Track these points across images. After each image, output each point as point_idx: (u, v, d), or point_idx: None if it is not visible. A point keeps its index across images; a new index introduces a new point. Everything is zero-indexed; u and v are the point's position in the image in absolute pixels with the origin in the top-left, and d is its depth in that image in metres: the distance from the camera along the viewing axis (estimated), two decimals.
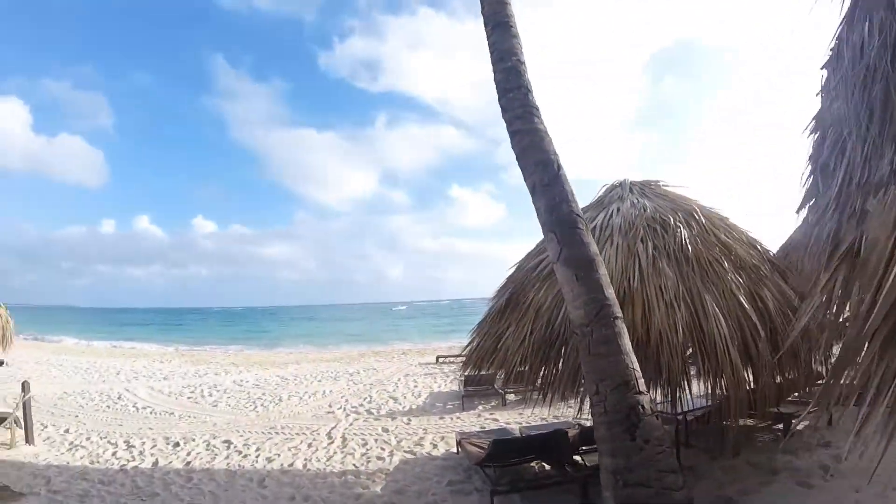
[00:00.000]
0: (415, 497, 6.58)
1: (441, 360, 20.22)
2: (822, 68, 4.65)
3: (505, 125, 5.09)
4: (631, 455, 4.01)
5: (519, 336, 5.84)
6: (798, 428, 7.40)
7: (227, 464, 8.23)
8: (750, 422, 7.14)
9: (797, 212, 5.60)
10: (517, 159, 4.94)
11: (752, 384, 5.52)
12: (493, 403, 12.05)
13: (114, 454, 8.85)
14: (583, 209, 5.13)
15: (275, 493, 6.88)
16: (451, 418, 10.97)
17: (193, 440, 9.64)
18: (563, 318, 5.46)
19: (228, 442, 9.48)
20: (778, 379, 6.04)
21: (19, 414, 9.33)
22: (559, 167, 4.74)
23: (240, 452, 8.83)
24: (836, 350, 5.74)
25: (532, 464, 6.93)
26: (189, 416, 12.03)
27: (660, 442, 4.08)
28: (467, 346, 7.06)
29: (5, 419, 9.18)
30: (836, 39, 4.20)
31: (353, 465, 8.01)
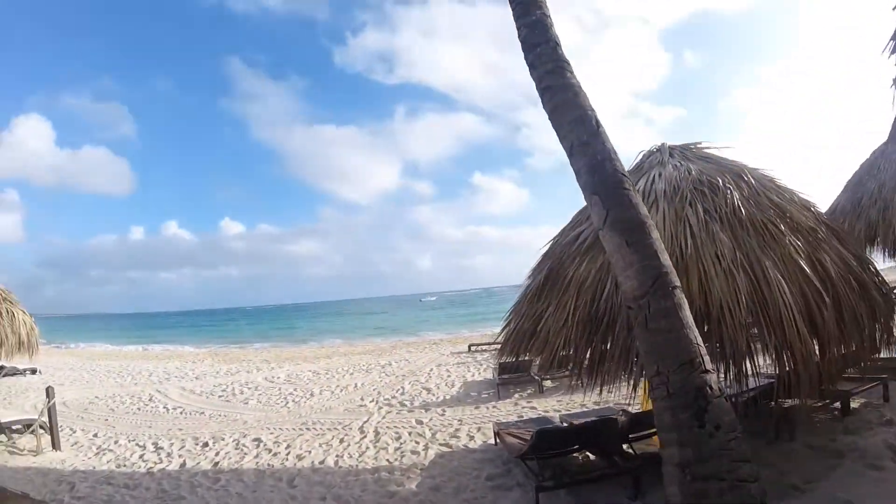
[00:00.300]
0: (452, 494, 6.13)
1: (474, 348, 19.94)
2: None
3: (534, 84, 4.57)
4: (700, 444, 3.47)
5: (560, 316, 5.29)
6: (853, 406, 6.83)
7: (257, 463, 7.96)
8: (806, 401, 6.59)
9: None
10: (550, 119, 4.41)
11: (818, 358, 4.97)
12: (529, 391, 11.57)
13: (141, 457, 8.67)
14: None
15: (304, 494, 6.51)
16: (487, 408, 10.53)
17: (223, 439, 9.42)
18: (610, 294, 4.93)
19: (258, 440, 9.21)
20: (843, 351, 5.51)
21: (45, 420, 9.20)
22: (598, 123, 4.21)
23: (269, 451, 8.55)
24: None
25: (576, 454, 6.44)
26: (220, 415, 11.85)
27: (732, 427, 3.54)
28: (502, 331, 6.53)
29: (31, 425, 9.09)
30: None
31: (387, 460, 7.62)
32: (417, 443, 8.31)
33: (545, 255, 6.41)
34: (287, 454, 8.25)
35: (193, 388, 16.13)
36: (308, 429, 9.85)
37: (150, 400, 14.31)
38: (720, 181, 5.66)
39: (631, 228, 3.82)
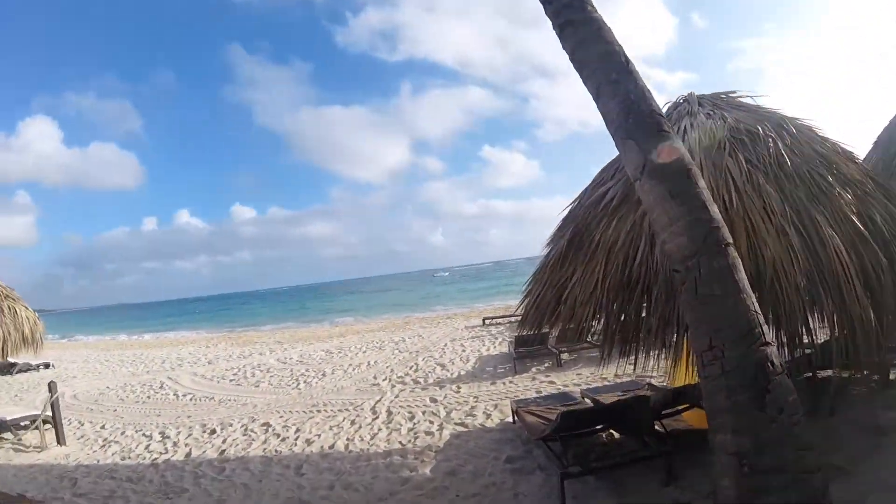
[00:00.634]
0: (469, 479, 5.66)
1: (488, 321, 19.73)
2: None
3: (550, 23, 3.97)
4: (761, 430, 2.92)
5: (588, 283, 4.70)
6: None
7: (264, 449, 7.58)
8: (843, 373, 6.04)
9: None
10: (572, 59, 3.82)
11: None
12: (546, 364, 11.14)
13: (147, 448, 8.35)
14: None
15: (312, 482, 6.09)
16: (504, 383, 10.07)
17: (231, 425, 9.08)
18: (644, 257, 4.36)
19: (267, 425, 8.85)
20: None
21: (49, 414, 8.98)
22: (628, 60, 3.61)
23: (278, 435, 8.17)
24: None
25: (602, 434, 5.94)
26: (229, 400, 11.55)
27: (795, 410, 2.98)
28: (522, 301, 5.98)
29: (35, 421, 8.85)
30: None
31: (400, 442, 7.19)
32: (432, 423, 7.89)
33: (566, 219, 5.82)
34: (296, 439, 7.88)
35: (205, 373, 15.90)
36: (319, 411, 9.47)
37: (160, 388, 14.07)
38: (760, 130, 5.05)
39: (675, 176, 3.24)
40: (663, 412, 5.42)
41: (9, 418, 9.15)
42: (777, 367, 2.99)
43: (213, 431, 8.81)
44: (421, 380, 11.26)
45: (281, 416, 9.33)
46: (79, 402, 12.94)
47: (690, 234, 3.13)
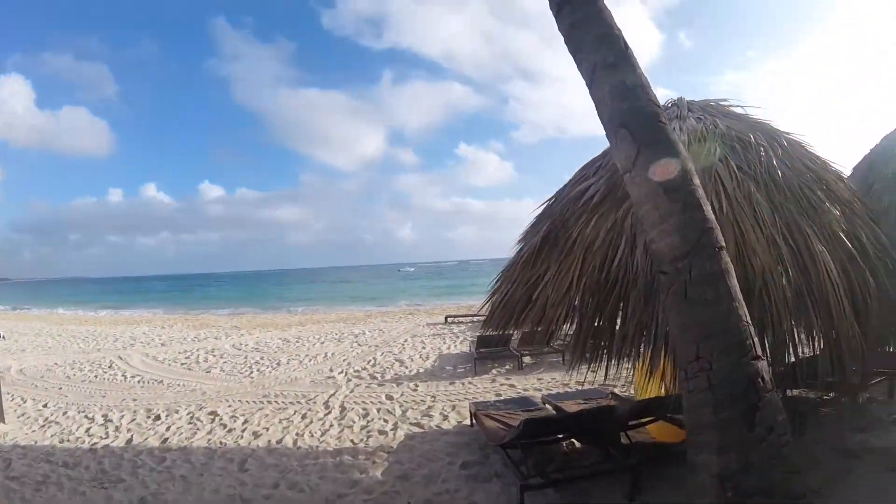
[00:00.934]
0: (422, 484, 5.33)
1: (451, 319, 19.60)
2: None
3: (547, 2, 3.69)
4: (749, 450, 2.68)
5: (562, 284, 4.42)
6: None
7: (209, 440, 7.15)
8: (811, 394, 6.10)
9: None
10: (567, 40, 3.51)
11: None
12: (507, 367, 10.87)
13: (87, 431, 7.85)
14: None
15: (256, 479, 5.70)
16: (463, 384, 9.77)
17: (177, 412, 8.61)
18: (624, 258, 4.11)
19: (214, 413, 8.40)
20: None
21: None
22: (627, 45, 3.34)
23: (224, 426, 7.73)
24: None
25: (563, 443, 5.68)
26: (178, 385, 11.02)
27: (784, 430, 2.76)
28: (488, 299, 5.69)
29: None
30: None
31: (351, 441, 6.82)
32: (386, 421, 7.55)
33: (542, 215, 5.54)
34: (243, 431, 7.45)
35: (157, 354, 15.29)
36: (269, 402, 9.04)
37: (109, 367, 13.41)
38: (752, 138, 4.86)
39: (670, 172, 2.97)
40: (631, 422, 5.18)
41: None
42: (767, 384, 2.75)
43: (158, 417, 8.36)
44: (378, 375, 10.93)
45: (230, 406, 8.90)
46: (24, 377, 12.30)
47: (683, 233, 2.87)
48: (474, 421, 6.71)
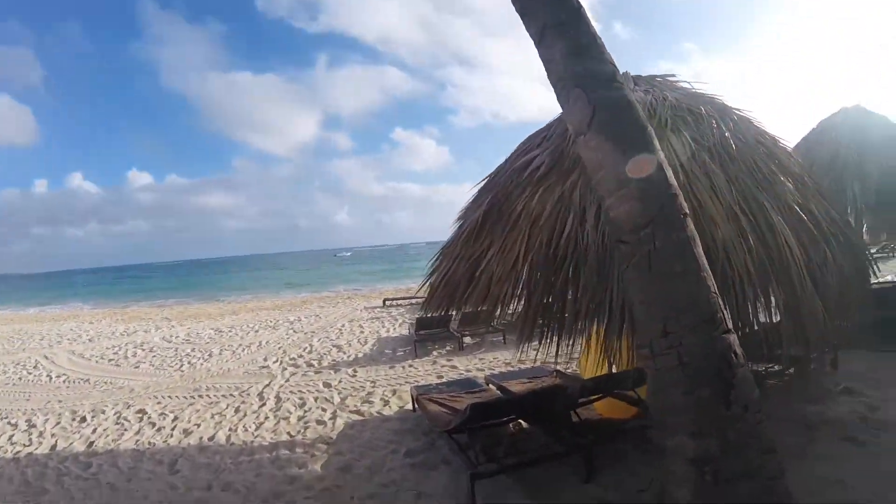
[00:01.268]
0: (366, 476, 5.04)
1: (388, 302, 19.46)
2: None
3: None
4: (726, 431, 2.50)
5: (508, 259, 4.17)
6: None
7: (137, 441, 6.67)
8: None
9: None
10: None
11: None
12: (448, 348, 10.82)
13: (10, 438, 7.24)
14: None
15: (187, 481, 5.29)
16: (403, 367, 9.59)
17: (103, 412, 8.05)
18: (573, 232, 3.89)
19: (142, 412, 7.89)
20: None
21: None
22: (580, 5, 3.07)
23: (153, 425, 7.26)
24: None
25: (509, 425, 5.47)
26: (105, 383, 10.38)
27: (758, 407, 2.57)
28: (427, 279, 5.41)
29: None
30: None
31: (288, 433, 6.46)
32: (324, 410, 7.22)
33: (483, 189, 5.26)
34: (172, 429, 7.00)
35: (84, 351, 14.46)
36: (201, 396, 8.58)
37: (34, 367, 12.61)
38: (703, 110, 4.73)
39: (629, 134, 2.72)
40: (581, 399, 5.00)
41: None
42: (740, 358, 2.56)
43: (84, 419, 7.79)
44: (315, 362, 10.59)
45: (159, 402, 8.40)
46: None
47: (644, 199, 2.63)
48: (417, 405, 6.49)
